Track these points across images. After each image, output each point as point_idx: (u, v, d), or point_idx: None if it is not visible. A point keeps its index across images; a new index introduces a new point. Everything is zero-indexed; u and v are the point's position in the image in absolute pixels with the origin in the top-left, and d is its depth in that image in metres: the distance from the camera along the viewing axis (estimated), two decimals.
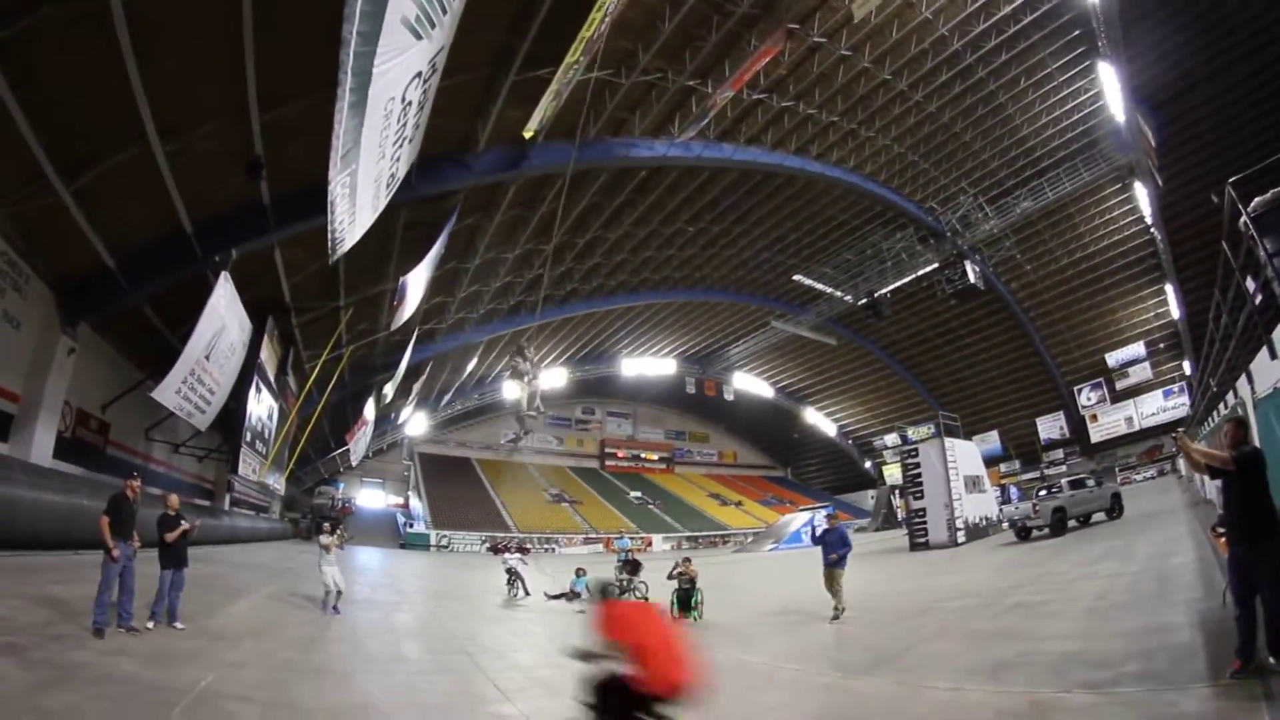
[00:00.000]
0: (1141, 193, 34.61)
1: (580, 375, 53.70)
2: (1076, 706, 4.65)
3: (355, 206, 10.40)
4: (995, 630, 7.72)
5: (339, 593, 11.24)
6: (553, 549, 43.66)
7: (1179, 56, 25.98)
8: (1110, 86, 27.96)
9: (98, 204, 12.55)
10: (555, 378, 51.64)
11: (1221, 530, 6.03)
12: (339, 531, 13.03)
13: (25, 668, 5.43)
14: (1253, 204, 6.72)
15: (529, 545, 35.66)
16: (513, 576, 15.29)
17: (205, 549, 18.85)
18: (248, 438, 20.43)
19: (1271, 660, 4.45)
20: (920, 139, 31.90)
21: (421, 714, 5.70)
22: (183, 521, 8.16)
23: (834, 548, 10.51)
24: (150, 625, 7.58)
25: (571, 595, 14.80)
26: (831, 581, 10.27)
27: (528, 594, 15.12)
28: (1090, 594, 8.87)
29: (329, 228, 10.20)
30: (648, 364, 55.74)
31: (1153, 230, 36.72)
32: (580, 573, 15.36)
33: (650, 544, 45.43)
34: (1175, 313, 40.04)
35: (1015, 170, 35.84)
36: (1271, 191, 6.66)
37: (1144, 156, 28.90)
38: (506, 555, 16.71)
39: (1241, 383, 9.74)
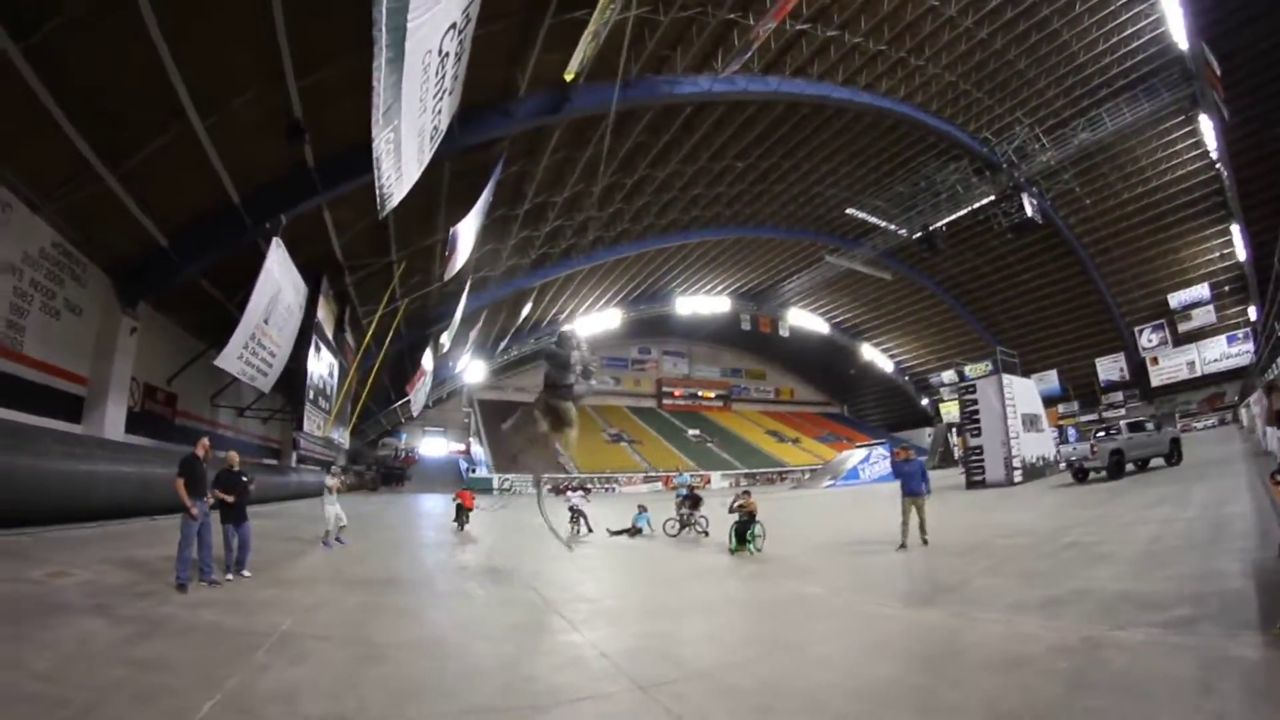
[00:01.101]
0: (1206, 125, 32.37)
1: (634, 315, 53.51)
2: (1127, 644, 4.65)
3: (400, 161, 10.50)
4: (1049, 568, 7.70)
5: (342, 526, 12.30)
6: (613, 488, 44.47)
7: None
8: (1172, 11, 26.11)
9: (145, 186, 12.88)
10: (609, 319, 51.90)
11: None
12: (341, 476, 14.03)
13: (116, 624, 5.78)
14: None
15: (590, 485, 36.36)
16: (576, 514, 15.70)
17: (275, 505, 19.83)
18: (310, 395, 21.14)
19: None
20: (972, 66, 30.36)
21: (493, 645, 5.93)
22: (241, 478, 8.53)
23: (914, 478, 10.60)
24: (229, 577, 8.04)
25: (634, 531, 15.18)
26: (917, 512, 10.42)
27: (590, 531, 15.50)
28: (1144, 538, 8.74)
29: (376, 184, 10.34)
30: (702, 302, 55.33)
31: (1218, 166, 34.43)
32: (642, 509, 15.75)
33: (709, 481, 45.52)
34: (1241, 254, 37.83)
35: (1072, 100, 33.93)
36: None
37: (1209, 87, 27.00)
38: (570, 494, 17.19)
39: None
